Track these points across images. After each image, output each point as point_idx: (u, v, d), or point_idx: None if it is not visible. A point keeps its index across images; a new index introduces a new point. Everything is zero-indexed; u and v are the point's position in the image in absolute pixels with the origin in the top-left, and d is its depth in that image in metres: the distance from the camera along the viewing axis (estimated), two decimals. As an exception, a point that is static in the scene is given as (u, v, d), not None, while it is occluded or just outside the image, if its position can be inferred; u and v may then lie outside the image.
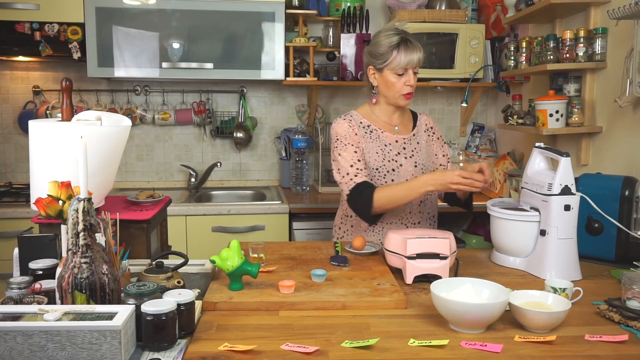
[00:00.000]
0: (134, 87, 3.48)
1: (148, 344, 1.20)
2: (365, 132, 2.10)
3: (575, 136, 2.61)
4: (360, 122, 2.11)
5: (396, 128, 2.14)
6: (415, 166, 2.12)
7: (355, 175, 1.99)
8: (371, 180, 2.04)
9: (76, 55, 3.00)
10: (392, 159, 2.09)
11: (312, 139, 3.46)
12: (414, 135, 2.17)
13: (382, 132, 2.11)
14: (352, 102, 3.67)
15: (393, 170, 2.08)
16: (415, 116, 2.24)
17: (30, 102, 3.39)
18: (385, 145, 2.10)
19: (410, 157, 2.12)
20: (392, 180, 2.08)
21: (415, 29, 2.05)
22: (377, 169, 2.08)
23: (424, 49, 2.05)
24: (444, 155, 2.23)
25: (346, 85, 3.46)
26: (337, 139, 2.07)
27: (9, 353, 1.10)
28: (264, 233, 2.99)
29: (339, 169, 2.04)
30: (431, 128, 2.23)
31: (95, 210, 1.26)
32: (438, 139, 2.24)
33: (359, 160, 2.03)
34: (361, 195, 1.96)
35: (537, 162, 1.89)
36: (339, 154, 2.04)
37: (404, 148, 2.13)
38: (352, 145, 2.05)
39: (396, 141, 2.12)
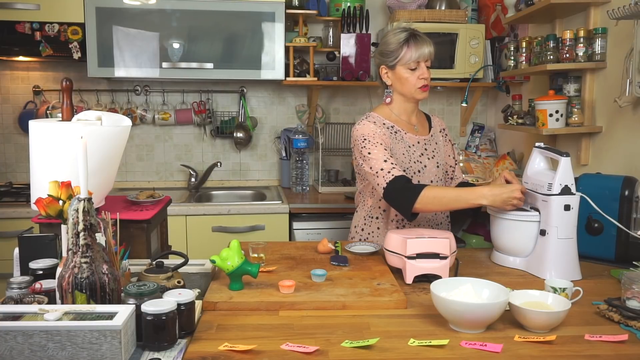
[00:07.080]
0: (134, 87, 3.48)
1: (148, 343, 1.20)
2: (391, 133, 2.04)
3: (575, 136, 2.61)
4: (384, 123, 2.05)
5: (415, 127, 2.13)
6: (438, 167, 2.12)
7: (392, 169, 1.90)
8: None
9: (76, 55, 3.00)
10: (417, 160, 2.07)
11: (312, 139, 3.46)
12: (431, 135, 2.16)
13: (405, 133, 2.07)
14: (352, 102, 3.67)
15: (419, 171, 2.06)
16: (428, 117, 2.24)
17: (30, 102, 3.39)
18: (410, 147, 2.07)
19: (432, 157, 2.11)
20: (419, 181, 2.04)
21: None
22: (404, 171, 1.98)
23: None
24: (454, 158, 2.24)
25: (346, 85, 3.46)
26: (365, 139, 1.98)
27: (9, 353, 1.10)
28: (264, 233, 2.99)
29: (371, 166, 1.94)
30: (444, 129, 2.25)
31: (96, 210, 1.26)
32: (449, 141, 2.25)
33: (391, 156, 1.95)
34: (404, 188, 1.86)
35: (537, 162, 1.89)
36: (369, 152, 1.95)
37: (426, 149, 2.11)
38: (382, 144, 1.97)
39: (418, 142, 2.10)
